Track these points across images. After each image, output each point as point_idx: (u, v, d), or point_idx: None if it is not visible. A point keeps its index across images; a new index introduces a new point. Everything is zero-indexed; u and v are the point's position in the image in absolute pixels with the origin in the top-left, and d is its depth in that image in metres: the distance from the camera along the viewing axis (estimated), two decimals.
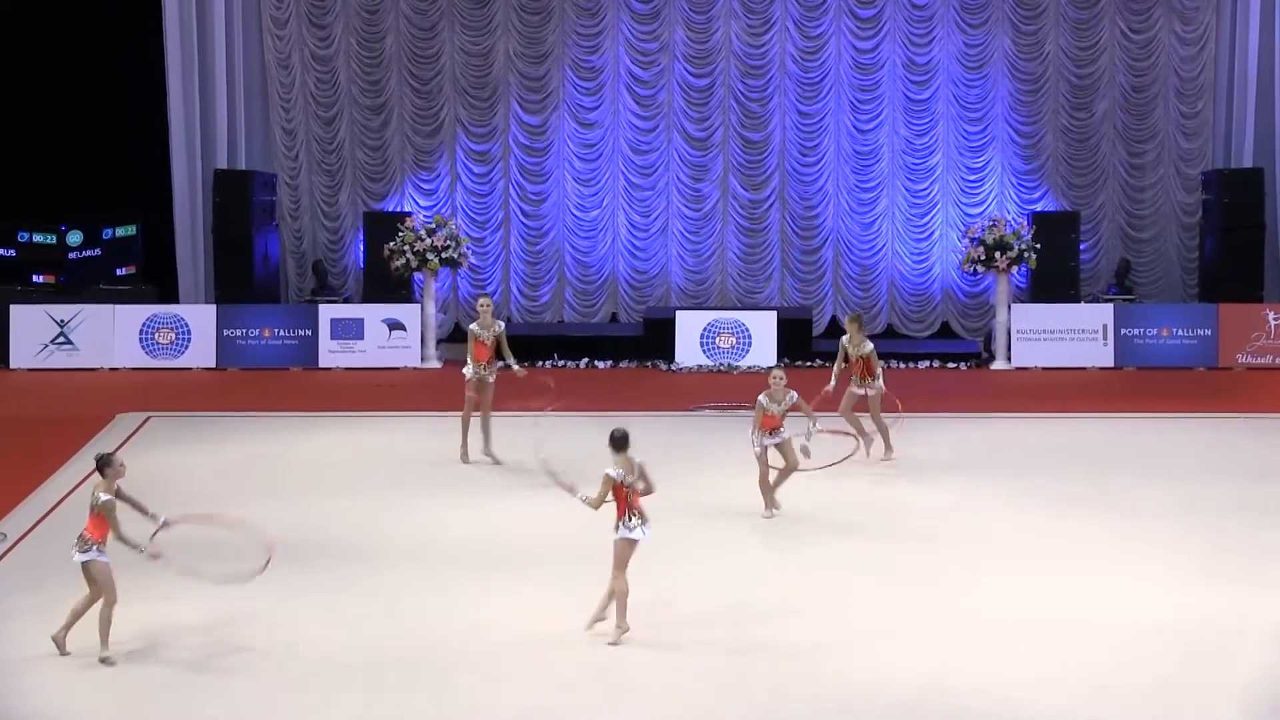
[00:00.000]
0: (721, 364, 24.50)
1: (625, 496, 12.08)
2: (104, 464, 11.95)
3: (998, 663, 11.58)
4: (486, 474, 17.44)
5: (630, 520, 12.07)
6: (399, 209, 26.42)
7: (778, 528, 15.25)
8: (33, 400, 22.10)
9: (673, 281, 26.90)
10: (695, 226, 26.95)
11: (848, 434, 17.25)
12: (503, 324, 17.83)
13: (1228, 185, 25.34)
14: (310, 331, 24.60)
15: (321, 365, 24.50)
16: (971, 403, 21.90)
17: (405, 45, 26.89)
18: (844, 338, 17.77)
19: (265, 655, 11.84)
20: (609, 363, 24.80)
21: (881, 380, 17.67)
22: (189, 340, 24.45)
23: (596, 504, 12.24)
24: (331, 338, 24.59)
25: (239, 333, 24.56)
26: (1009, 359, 24.44)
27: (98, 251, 25.73)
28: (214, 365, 24.45)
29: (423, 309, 24.80)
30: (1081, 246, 25.96)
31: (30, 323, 24.34)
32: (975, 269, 24.56)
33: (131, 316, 24.49)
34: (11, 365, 24.25)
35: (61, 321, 24.35)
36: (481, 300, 17.99)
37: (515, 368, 17.58)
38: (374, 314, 24.73)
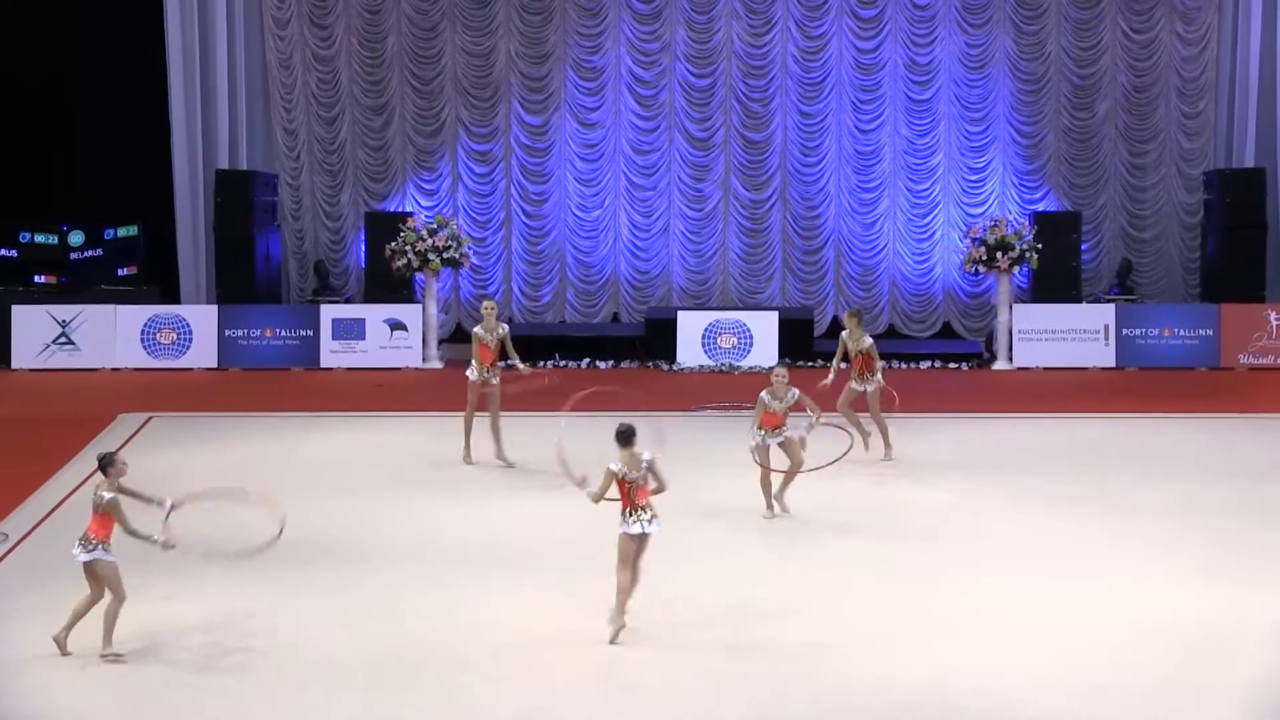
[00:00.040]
0: (723, 364, 24.50)
1: (628, 492, 12.09)
2: (106, 463, 11.96)
3: (998, 663, 11.58)
4: (487, 474, 17.45)
5: (630, 516, 12.08)
6: (400, 209, 26.44)
7: (778, 528, 15.25)
8: (34, 400, 22.11)
9: (674, 282, 26.91)
10: (697, 227, 26.97)
11: (846, 430, 17.18)
12: (506, 326, 17.85)
13: (1229, 185, 25.34)
14: (312, 332, 24.62)
15: (323, 365, 24.52)
16: (972, 403, 21.90)
17: (407, 45, 26.90)
18: (844, 333, 17.81)
19: (265, 655, 11.84)
20: (610, 363, 24.81)
21: (880, 375, 17.68)
22: (190, 340, 24.47)
23: (596, 498, 12.27)
24: (333, 338, 24.60)
25: (240, 333, 24.58)
26: (1010, 359, 24.44)
27: (99, 252, 25.75)
28: (215, 365, 24.47)
29: (424, 309, 24.81)
30: (1083, 246, 25.96)
31: (32, 323, 24.36)
32: (977, 269, 24.57)
33: (133, 317, 24.52)
34: (13, 365, 24.28)
35: (63, 322, 24.37)
36: (485, 303, 18.02)
37: (521, 367, 17.61)
38: (375, 314, 24.74)
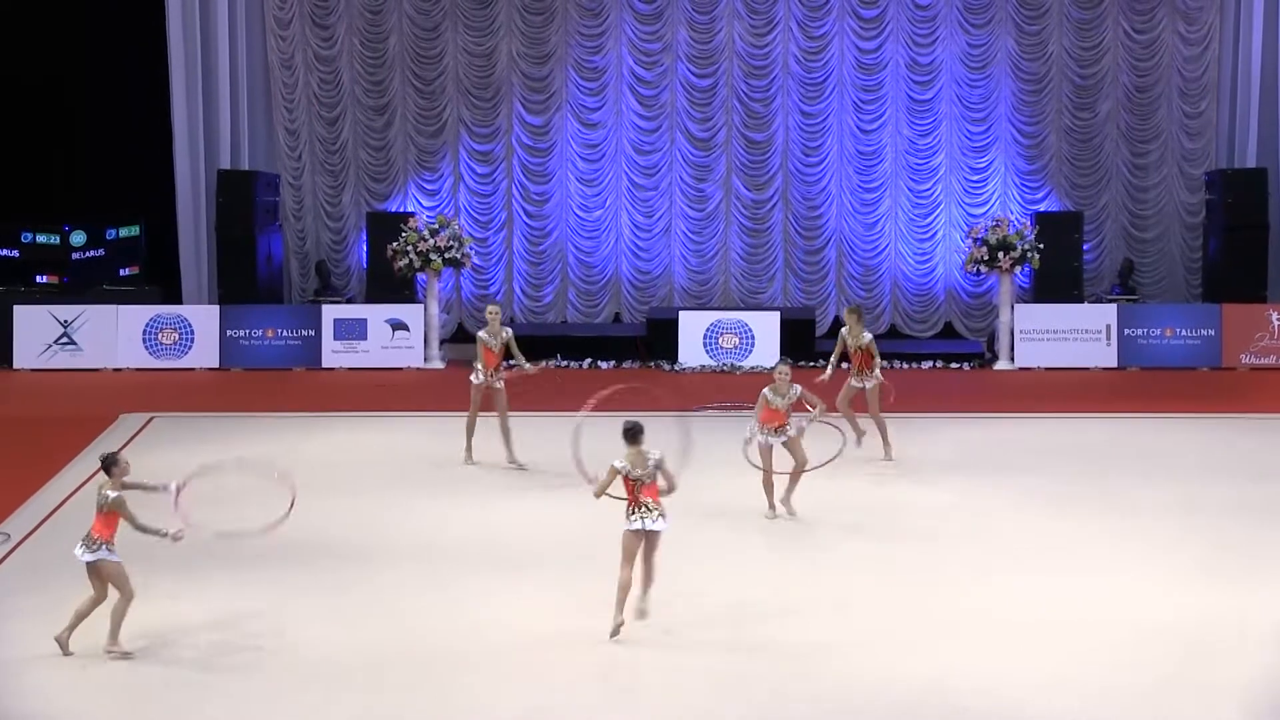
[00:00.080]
0: (725, 364, 24.50)
1: (632, 489, 12.10)
2: (110, 463, 11.96)
3: (998, 663, 11.58)
4: (488, 474, 17.45)
5: (633, 513, 12.09)
6: (402, 209, 26.46)
7: (779, 528, 15.26)
8: (36, 401, 22.13)
9: (676, 282, 26.92)
10: (698, 227, 26.98)
11: (838, 429, 16.89)
12: (510, 330, 17.88)
13: (1231, 185, 25.33)
14: (313, 332, 24.63)
15: (324, 365, 24.53)
16: (974, 403, 21.91)
17: (408, 46, 26.92)
18: (843, 330, 17.83)
19: (266, 655, 11.85)
20: (612, 363, 24.81)
21: (879, 372, 17.68)
22: (192, 341, 24.48)
23: (597, 492, 12.30)
24: (334, 338, 24.62)
25: (242, 333, 24.60)
26: (1012, 359, 24.44)
27: (101, 252, 25.76)
28: (217, 366, 24.49)
29: (426, 309, 24.82)
30: (1085, 247, 25.96)
31: (34, 323, 24.38)
32: (978, 269, 24.57)
33: (135, 317, 24.53)
34: (15, 365, 24.30)
35: (65, 322, 24.39)
36: (490, 308, 18.07)
37: (527, 366, 17.64)
38: (377, 314, 24.76)
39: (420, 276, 25.08)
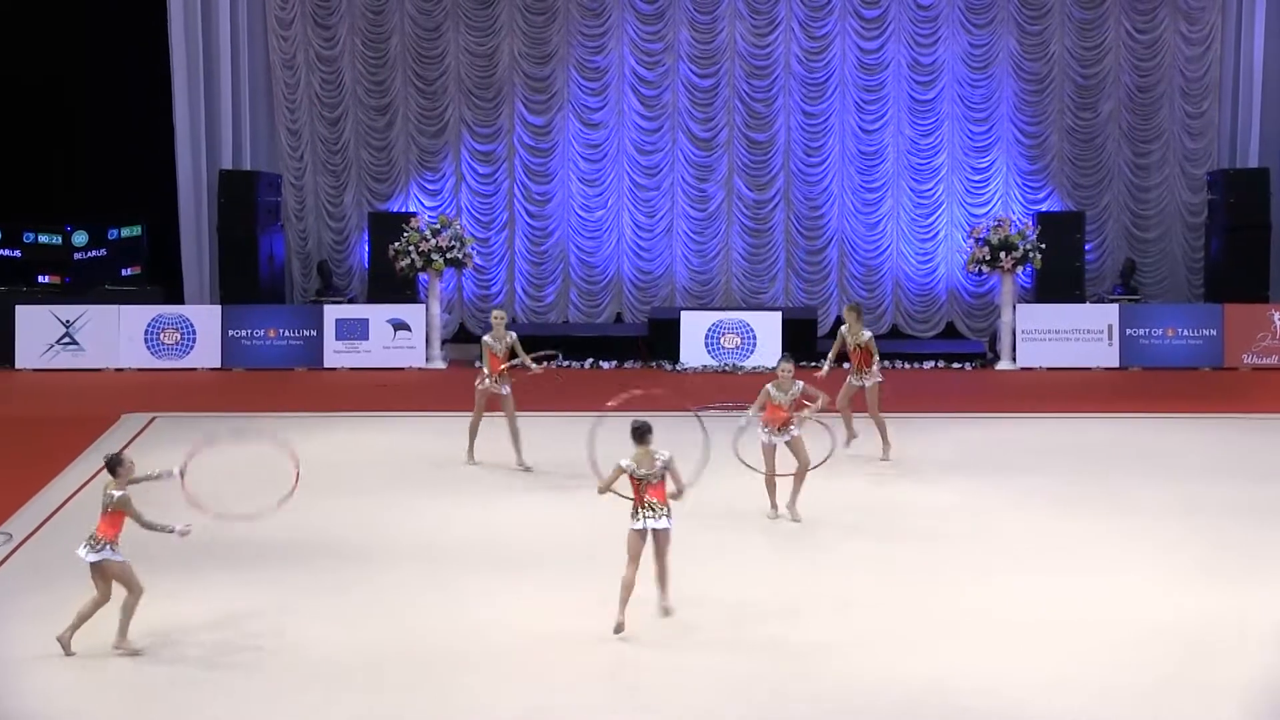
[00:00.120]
0: (726, 364, 24.51)
1: (637, 488, 12.11)
2: (115, 464, 11.97)
3: (998, 663, 11.58)
4: (489, 474, 17.46)
5: (638, 513, 12.10)
6: (404, 209, 26.46)
7: (779, 528, 15.26)
8: (38, 400, 22.15)
9: (677, 282, 26.93)
10: (700, 227, 26.98)
11: (827, 428, 16.63)
12: (514, 335, 17.87)
13: (1233, 185, 25.32)
14: (315, 332, 24.64)
15: (326, 366, 24.54)
16: (975, 403, 21.90)
17: (410, 46, 26.93)
18: (843, 327, 17.84)
19: (267, 655, 11.86)
20: (613, 363, 24.82)
21: (877, 369, 17.68)
22: (194, 341, 24.49)
23: (600, 489, 12.31)
24: (336, 338, 24.63)
25: (244, 333, 24.61)
26: (1014, 359, 24.44)
27: (103, 252, 25.78)
28: (219, 366, 24.50)
29: (427, 309, 24.83)
30: (1086, 247, 25.95)
31: (36, 323, 24.39)
32: (980, 269, 24.58)
33: (137, 317, 24.54)
34: (17, 365, 24.31)
35: (67, 322, 24.40)
36: (496, 313, 18.06)
37: (532, 366, 17.66)
38: (379, 314, 24.77)
39: (422, 276, 25.09)
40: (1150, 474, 17.28)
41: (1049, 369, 24.19)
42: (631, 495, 12.18)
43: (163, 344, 24.48)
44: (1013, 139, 26.64)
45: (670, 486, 12.21)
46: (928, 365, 24.64)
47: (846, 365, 18.03)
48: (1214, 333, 24.29)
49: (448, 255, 24.48)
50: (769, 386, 15.36)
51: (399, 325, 24.61)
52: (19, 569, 14.14)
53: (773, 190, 26.87)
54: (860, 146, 26.76)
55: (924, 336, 26.56)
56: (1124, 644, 11.93)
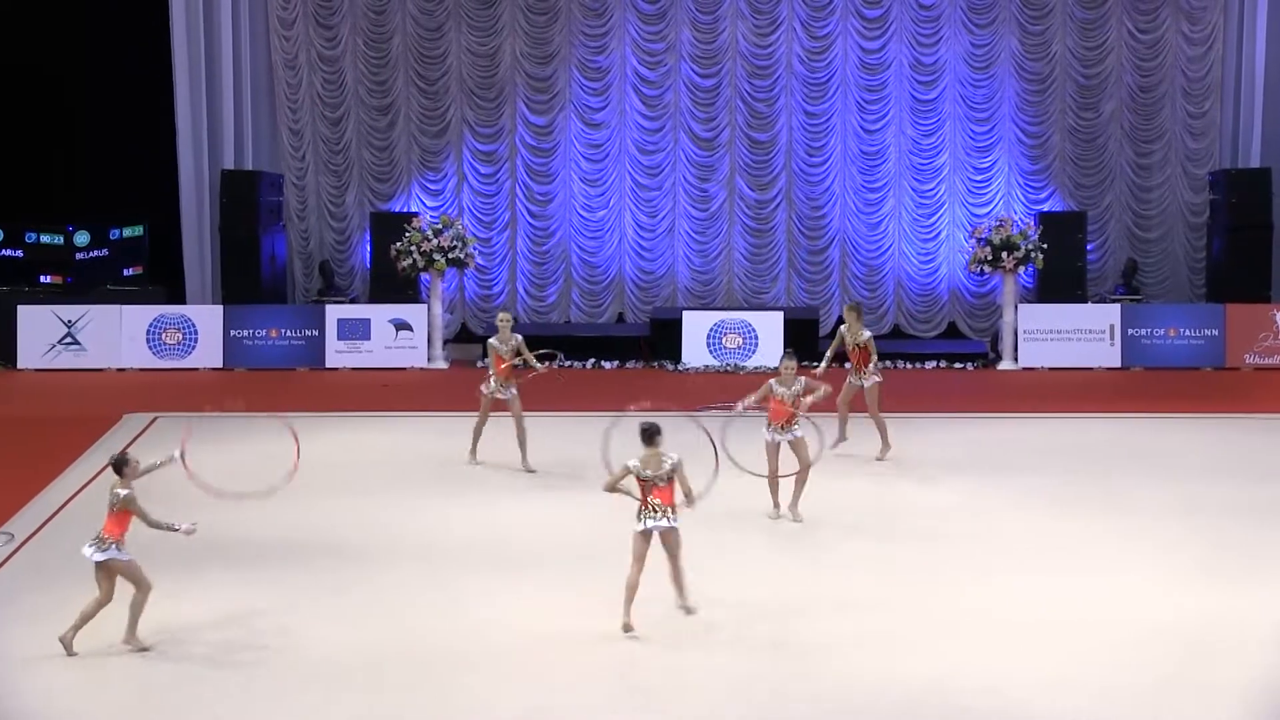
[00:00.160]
0: (728, 364, 24.51)
1: (643, 490, 12.12)
2: (120, 464, 11.99)
3: (999, 663, 11.58)
4: (491, 475, 17.47)
5: (642, 514, 12.11)
6: (406, 209, 26.47)
7: (779, 528, 15.27)
8: (40, 400, 22.16)
9: (679, 282, 26.93)
10: (702, 227, 26.99)
11: (816, 425, 16.52)
12: (520, 337, 17.87)
13: (1235, 185, 25.32)
14: (317, 332, 24.66)
15: (328, 365, 24.56)
16: (977, 403, 21.90)
17: (412, 46, 26.93)
18: (842, 327, 17.85)
19: (268, 654, 11.87)
20: (615, 363, 24.82)
21: (874, 368, 17.66)
22: (196, 341, 24.51)
23: (605, 487, 12.32)
24: (338, 338, 24.64)
25: (246, 333, 24.62)
26: (1016, 359, 24.44)
27: (105, 252, 25.79)
28: (221, 366, 24.51)
29: (429, 309, 24.84)
30: (1088, 247, 25.95)
31: (38, 323, 24.41)
32: (982, 269, 24.58)
33: (138, 317, 24.55)
34: (19, 365, 24.33)
35: (69, 322, 24.42)
36: (501, 315, 18.07)
37: (538, 366, 17.67)
38: (380, 314, 24.78)
39: (424, 276, 25.10)
40: (1151, 474, 17.28)
41: (1051, 369, 24.19)
42: (639, 497, 12.19)
43: (164, 344, 24.49)
44: (1014, 139, 26.63)
45: (679, 491, 12.18)
46: (929, 365, 24.64)
47: (846, 365, 18.03)
48: (1216, 333, 24.28)
49: (449, 255, 24.49)
50: (772, 381, 15.42)
51: (401, 325, 24.62)
52: (20, 569, 14.15)
53: (774, 190, 26.87)
54: (862, 146, 26.76)
55: (926, 336, 26.56)
56: (1124, 644, 11.93)
